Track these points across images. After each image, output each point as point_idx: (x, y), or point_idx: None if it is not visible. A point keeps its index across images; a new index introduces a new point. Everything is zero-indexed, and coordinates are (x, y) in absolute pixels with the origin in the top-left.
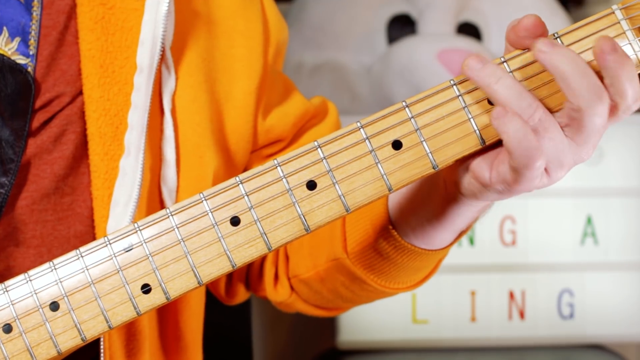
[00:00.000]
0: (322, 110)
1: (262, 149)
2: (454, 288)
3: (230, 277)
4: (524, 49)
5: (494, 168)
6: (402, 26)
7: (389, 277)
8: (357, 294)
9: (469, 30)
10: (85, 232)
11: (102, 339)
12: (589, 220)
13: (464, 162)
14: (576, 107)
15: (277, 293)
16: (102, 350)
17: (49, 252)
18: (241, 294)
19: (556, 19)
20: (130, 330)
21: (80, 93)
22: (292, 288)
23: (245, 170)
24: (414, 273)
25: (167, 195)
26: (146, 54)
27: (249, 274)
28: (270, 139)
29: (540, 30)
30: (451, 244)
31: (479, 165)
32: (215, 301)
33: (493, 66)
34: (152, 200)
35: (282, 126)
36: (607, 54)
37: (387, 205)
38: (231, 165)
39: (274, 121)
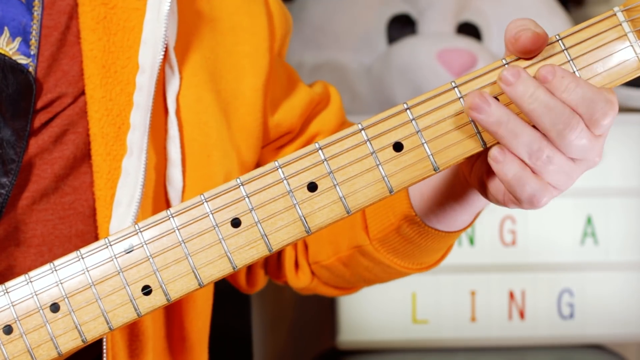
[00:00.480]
0: (325, 96)
1: (274, 142)
2: (454, 288)
3: (250, 266)
4: None
5: (505, 193)
6: (402, 26)
7: (413, 259)
8: (379, 276)
9: (469, 30)
10: (86, 231)
11: (104, 340)
12: (589, 220)
13: (478, 178)
14: (551, 139)
15: (299, 279)
16: (104, 351)
17: (49, 251)
18: (261, 282)
19: (556, 19)
20: (133, 331)
21: (82, 93)
22: (313, 273)
23: (258, 166)
24: (435, 253)
25: (174, 195)
26: (148, 54)
27: (268, 262)
28: (280, 133)
29: (540, 43)
30: (470, 224)
31: (495, 188)
32: (215, 301)
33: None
34: (158, 200)
35: (290, 119)
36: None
37: (408, 194)
38: (241, 163)
39: (282, 115)
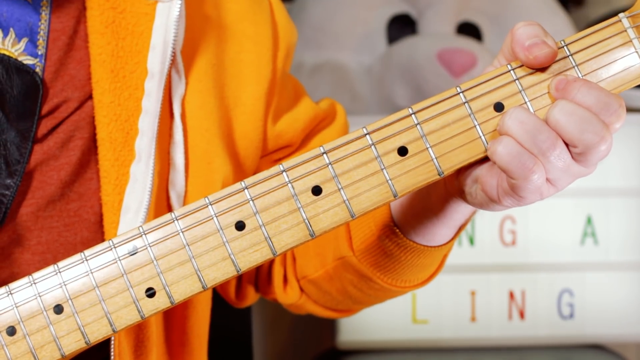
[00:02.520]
0: (330, 113)
1: (271, 154)
2: (454, 288)
3: (239, 280)
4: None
5: (499, 185)
6: (402, 26)
7: (395, 274)
8: (366, 293)
9: (469, 30)
10: (91, 238)
11: (112, 345)
12: (589, 220)
13: (471, 174)
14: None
15: (287, 295)
16: (112, 356)
17: (54, 258)
18: (251, 297)
19: (556, 19)
20: (138, 336)
21: (89, 98)
22: (301, 289)
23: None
24: (419, 271)
25: (176, 200)
26: (157, 59)
27: (258, 277)
28: (279, 144)
29: (555, 58)
30: (452, 239)
31: (488, 182)
32: (215, 301)
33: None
34: (160, 205)
35: (292, 132)
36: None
37: (389, 205)
38: (241, 171)
39: (284, 126)
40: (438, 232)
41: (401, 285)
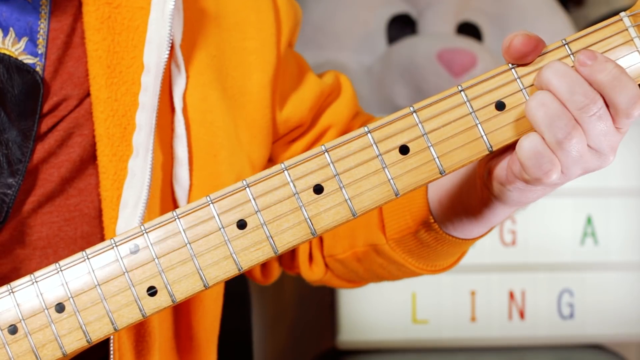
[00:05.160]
0: (336, 87)
1: (283, 137)
2: (454, 288)
3: None
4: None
5: (509, 166)
6: (402, 26)
7: (428, 261)
8: (393, 273)
9: (469, 30)
10: (91, 232)
11: (111, 340)
12: (589, 220)
13: (488, 167)
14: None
15: (313, 272)
16: (111, 351)
17: (55, 253)
18: (275, 273)
19: (556, 19)
20: (139, 332)
21: (88, 95)
22: (326, 266)
23: (270, 161)
24: (450, 257)
25: (181, 194)
26: (153, 53)
27: (282, 254)
28: (290, 127)
29: (533, 45)
30: (485, 233)
31: (499, 164)
32: None
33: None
34: (165, 199)
35: (299, 113)
36: (582, 66)
37: (427, 199)
38: (251, 160)
39: (291, 109)
40: (474, 229)
41: (431, 269)
